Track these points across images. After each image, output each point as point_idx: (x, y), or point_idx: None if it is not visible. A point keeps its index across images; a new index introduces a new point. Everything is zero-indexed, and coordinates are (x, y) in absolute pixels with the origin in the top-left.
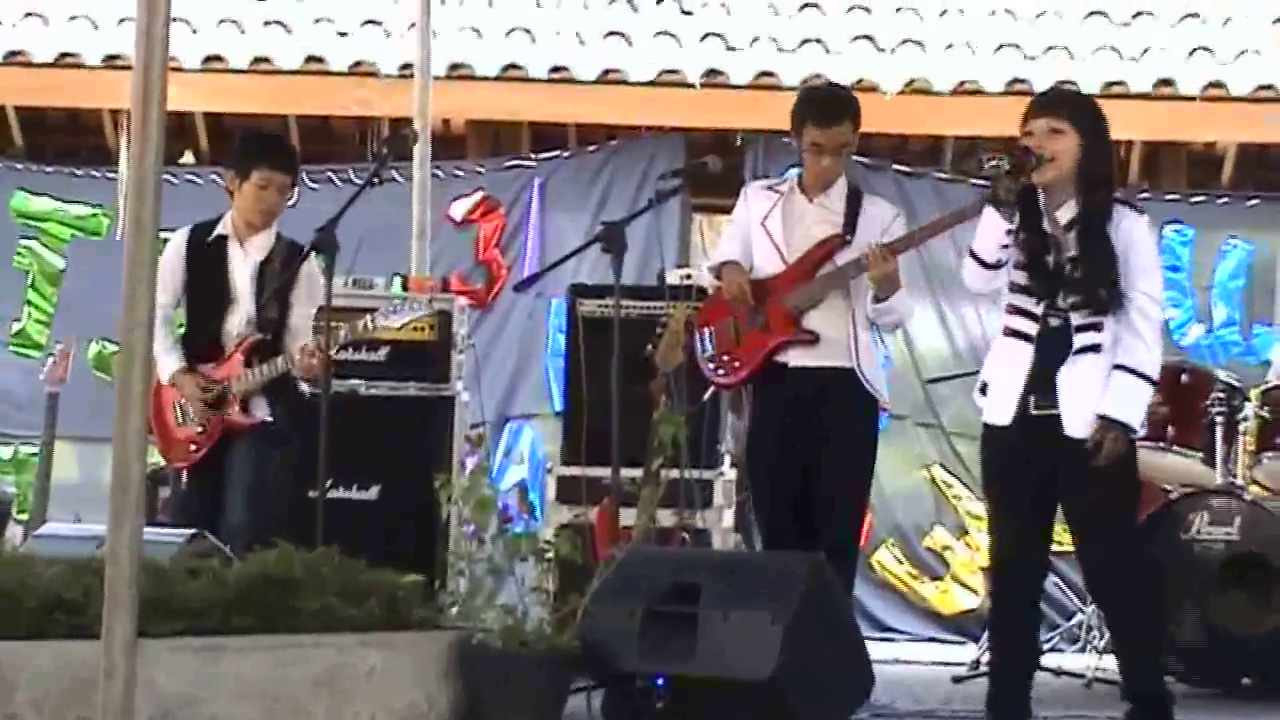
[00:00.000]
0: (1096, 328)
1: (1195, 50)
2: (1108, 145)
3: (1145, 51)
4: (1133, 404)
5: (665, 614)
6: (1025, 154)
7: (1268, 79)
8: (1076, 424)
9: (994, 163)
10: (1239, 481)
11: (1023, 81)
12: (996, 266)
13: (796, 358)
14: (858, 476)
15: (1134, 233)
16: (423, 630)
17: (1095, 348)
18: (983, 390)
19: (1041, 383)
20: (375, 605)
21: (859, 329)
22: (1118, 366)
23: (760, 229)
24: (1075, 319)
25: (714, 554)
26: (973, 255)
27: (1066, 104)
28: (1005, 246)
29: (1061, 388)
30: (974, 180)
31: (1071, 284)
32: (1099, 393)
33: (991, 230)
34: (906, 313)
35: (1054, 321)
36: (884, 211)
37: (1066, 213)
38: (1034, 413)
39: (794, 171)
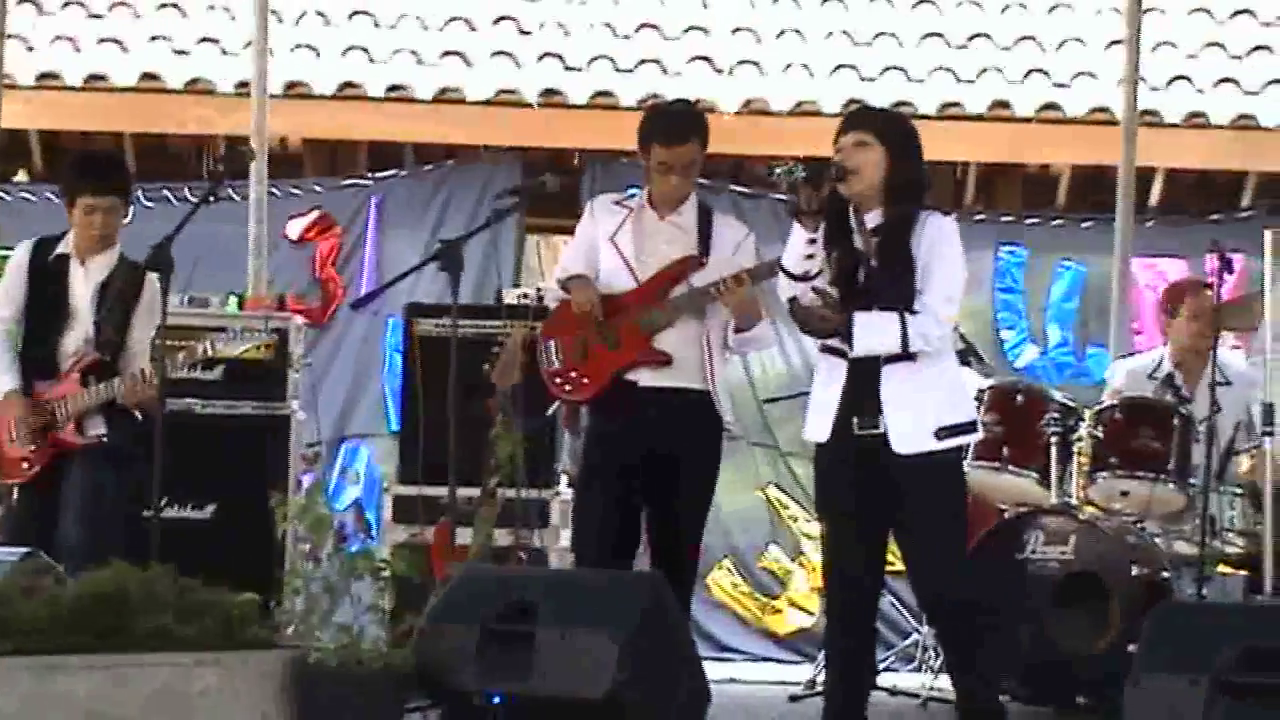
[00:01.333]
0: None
1: (1031, 72)
2: (915, 160)
3: (981, 73)
4: (876, 331)
5: (502, 632)
6: (821, 163)
7: (1102, 101)
8: (903, 442)
9: (781, 170)
10: (1073, 501)
11: (859, 102)
12: (805, 278)
13: (648, 377)
14: (703, 499)
15: (937, 236)
16: (258, 649)
17: (910, 357)
18: None
19: (862, 399)
20: (210, 624)
21: (713, 350)
22: (898, 310)
23: (609, 245)
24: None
25: (551, 573)
26: (781, 269)
27: (873, 119)
28: (810, 257)
29: (885, 405)
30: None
31: (877, 296)
32: (924, 407)
33: (796, 242)
34: (769, 341)
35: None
36: (736, 232)
37: (874, 222)
38: (859, 433)
39: (635, 190)
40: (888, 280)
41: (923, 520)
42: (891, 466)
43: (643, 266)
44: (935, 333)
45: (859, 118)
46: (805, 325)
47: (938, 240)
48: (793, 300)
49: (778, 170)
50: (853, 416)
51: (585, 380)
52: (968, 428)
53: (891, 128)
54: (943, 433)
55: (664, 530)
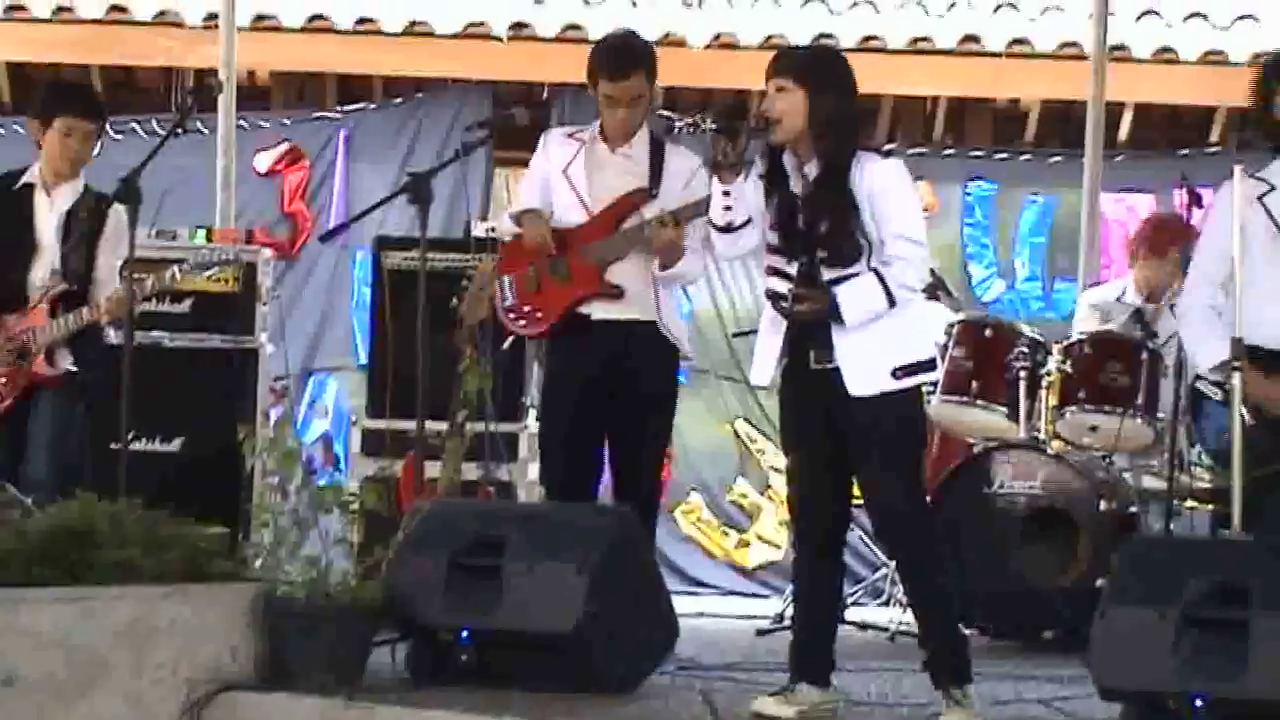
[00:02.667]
0: (854, 279)
1: (1000, 7)
2: (843, 99)
3: (951, 7)
4: (861, 298)
5: (470, 566)
6: (735, 114)
7: (1072, 36)
8: (856, 383)
9: (687, 124)
10: (1042, 436)
11: (829, 36)
12: (728, 230)
13: (600, 310)
14: (661, 430)
15: (879, 179)
16: (226, 582)
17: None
18: None
19: (815, 334)
20: (178, 557)
21: (659, 283)
22: (873, 270)
23: (562, 177)
24: (826, 274)
25: (519, 506)
26: (709, 222)
27: (790, 62)
28: (728, 208)
29: (838, 346)
30: None
31: (817, 240)
32: (880, 346)
33: (714, 195)
34: (694, 275)
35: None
36: (688, 163)
37: (813, 169)
38: (814, 367)
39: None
40: (828, 224)
41: (878, 451)
42: (847, 403)
43: (595, 200)
44: (914, 278)
45: (777, 62)
46: (796, 318)
47: (884, 183)
48: (774, 298)
49: (678, 123)
50: (809, 349)
51: (539, 314)
52: (927, 365)
53: (812, 68)
54: (900, 372)
55: (624, 461)
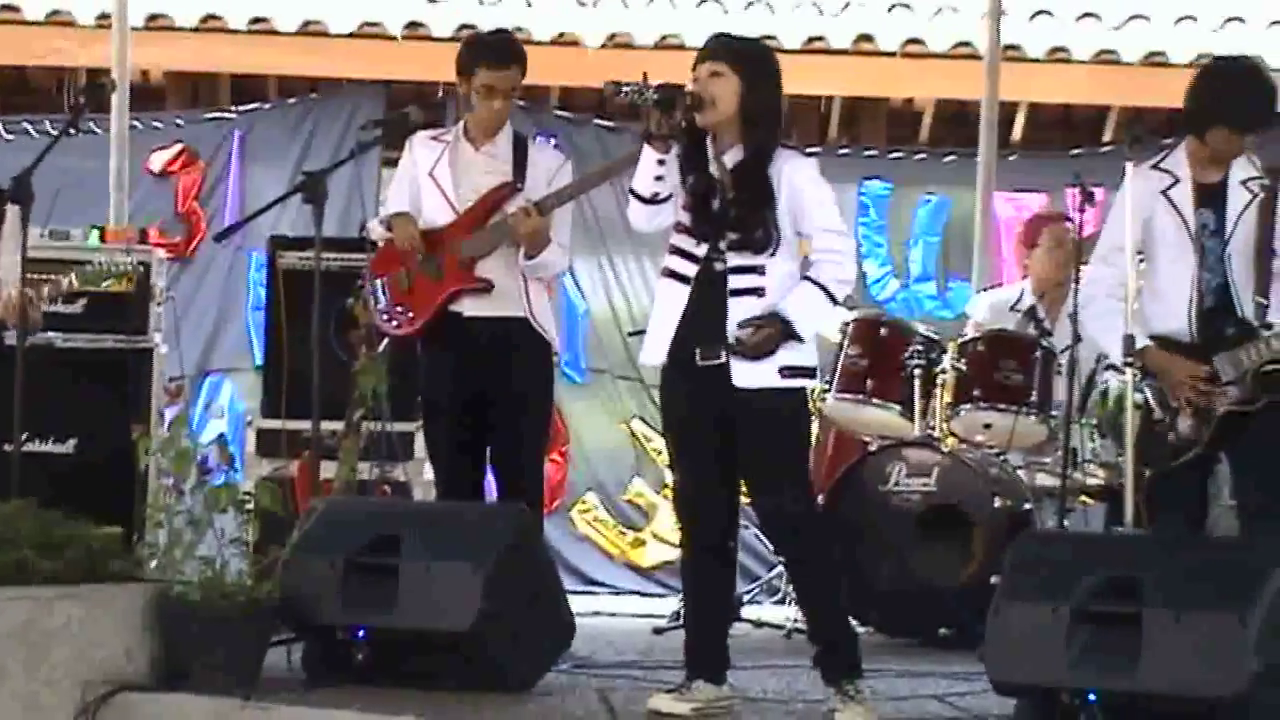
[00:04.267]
0: (758, 270)
1: (894, 7)
2: (773, 90)
3: (845, 7)
4: (808, 308)
5: (366, 565)
6: (675, 89)
7: (966, 36)
8: (744, 375)
9: (630, 89)
10: (936, 434)
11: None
12: (654, 201)
13: (471, 307)
14: (539, 427)
15: (799, 175)
16: (121, 583)
17: (757, 291)
18: None
19: (704, 328)
20: (72, 558)
21: (527, 271)
22: (805, 278)
23: (428, 179)
24: (733, 260)
25: (415, 505)
26: (632, 192)
27: (730, 49)
28: (659, 179)
29: (729, 337)
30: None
31: (730, 224)
32: None
33: (645, 165)
34: (560, 267)
35: (716, 265)
36: (552, 159)
37: (732, 156)
38: (701, 364)
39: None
40: (744, 211)
41: (765, 449)
42: (735, 398)
43: (461, 198)
44: (848, 270)
45: (716, 47)
46: (752, 353)
47: (804, 180)
48: (673, 277)
49: (626, 88)
50: (695, 345)
51: (412, 314)
52: (810, 371)
53: (749, 57)
54: (787, 372)
55: (505, 459)
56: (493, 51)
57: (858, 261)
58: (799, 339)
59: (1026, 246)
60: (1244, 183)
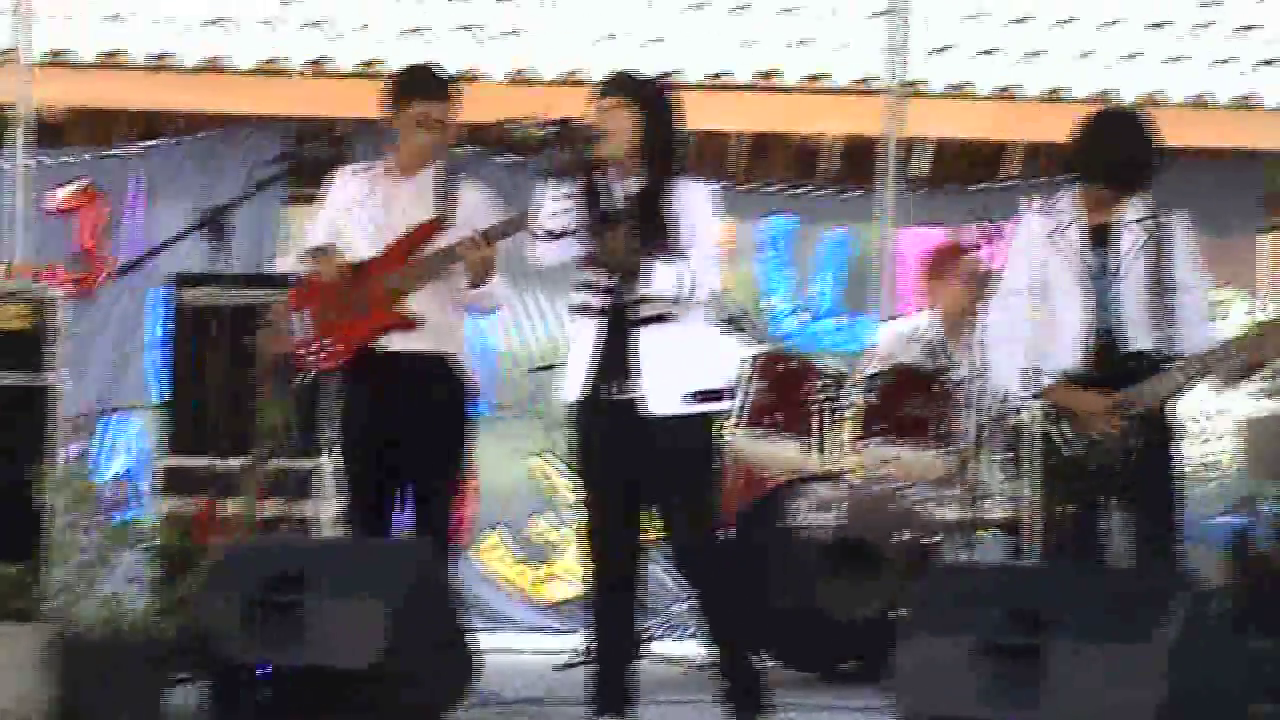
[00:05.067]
0: (662, 299)
1: (798, 42)
2: (672, 124)
3: (749, 43)
4: (665, 270)
5: (269, 602)
6: (572, 124)
7: (868, 71)
8: (658, 401)
9: (524, 127)
10: (842, 467)
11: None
12: (557, 236)
13: (396, 343)
14: (457, 464)
15: (694, 203)
16: (20, 622)
17: (662, 318)
18: None
19: (614, 362)
20: None
21: (454, 313)
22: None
23: (353, 212)
24: (640, 290)
25: (319, 541)
26: (535, 229)
27: (628, 83)
28: (558, 214)
29: (637, 367)
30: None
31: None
32: (677, 370)
33: (545, 200)
34: (503, 298)
35: (622, 295)
36: (480, 194)
37: (632, 188)
38: (613, 398)
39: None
40: (643, 242)
41: (675, 480)
42: (644, 428)
43: (387, 232)
44: (706, 291)
45: (614, 81)
46: (599, 256)
47: (695, 207)
48: (582, 311)
49: (518, 129)
50: (605, 380)
51: (334, 349)
52: (720, 394)
53: (647, 92)
54: (694, 397)
55: (421, 494)
56: (427, 84)
57: (762, 296)
58: (645, 281)
59: (931, 278)
60: (1134, 223)
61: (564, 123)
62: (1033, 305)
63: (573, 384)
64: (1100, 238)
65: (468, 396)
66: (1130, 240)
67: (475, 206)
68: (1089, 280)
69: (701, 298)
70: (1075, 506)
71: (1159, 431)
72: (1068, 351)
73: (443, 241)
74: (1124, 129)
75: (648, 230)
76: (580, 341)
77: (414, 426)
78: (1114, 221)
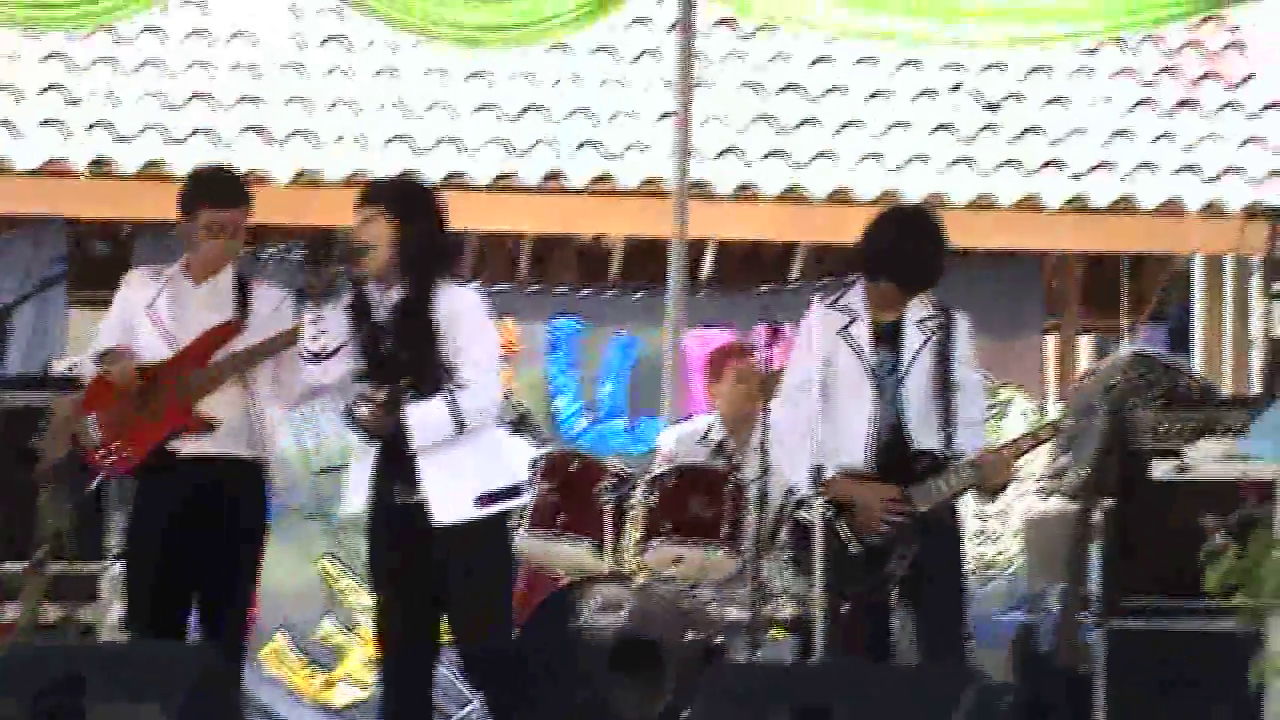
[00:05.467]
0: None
1: (583, 144)
2: (431, 228)
3: (534, 145)
4: (428, 422)
5: (50, 707)
6: (325, 242)
7: (654, 173)
8: (441, 510)
9: (272, 252)
10: (628, 568)
11: (413, 172)
12: (322, 357)
13: (191, 446)
14: (253, 567)
15: (455, 305)
16: None
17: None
18: None
19: (400, 468)
20: None
21: (256, 416)
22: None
23: (146, 315)
24: (409, 400)
25: (101, 645)
26: (301, 352)
27: (381, 192)
28: (322, 333)
29: (422, 474)
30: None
31: (401, 367)
32: (463, 474)
33: (304, 323)
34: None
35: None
36: (274, 295)
37: (394, 298)
38: (399, 501)
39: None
40: (411, 352)
41: (466, 584)
42: (432, 532)
43: (181, 334)
44: (487, 405)
45: (367, 193)
46: (364, 431)
47: (462, 313)
48: (346, 409)
49: (270, 252)
50: (393, 485)
51: (126, 452)
52: (510, 493)
53: (402, 198)
54: (483, 499)
55: (215, 598)
56: (217, 191)
57: (549, 398)
58: (405, 444)
59: (712, 380)
60: (919, 322)
61: (314, 243)
62: (819, 401)
63: (353, 495)
64: (887, 336)
65: (264, 501)
66: (915, 339)
67: (275, 307)
68: (875, 377)
69: (478, 422)
70: (861, 603)
71: (942, 530)
72: (853, 448)
73: (238, 344)
74: (912, 227)
75: (411, 341)
76: (362, 450)
77: (207, 532)
78: (899, 320)
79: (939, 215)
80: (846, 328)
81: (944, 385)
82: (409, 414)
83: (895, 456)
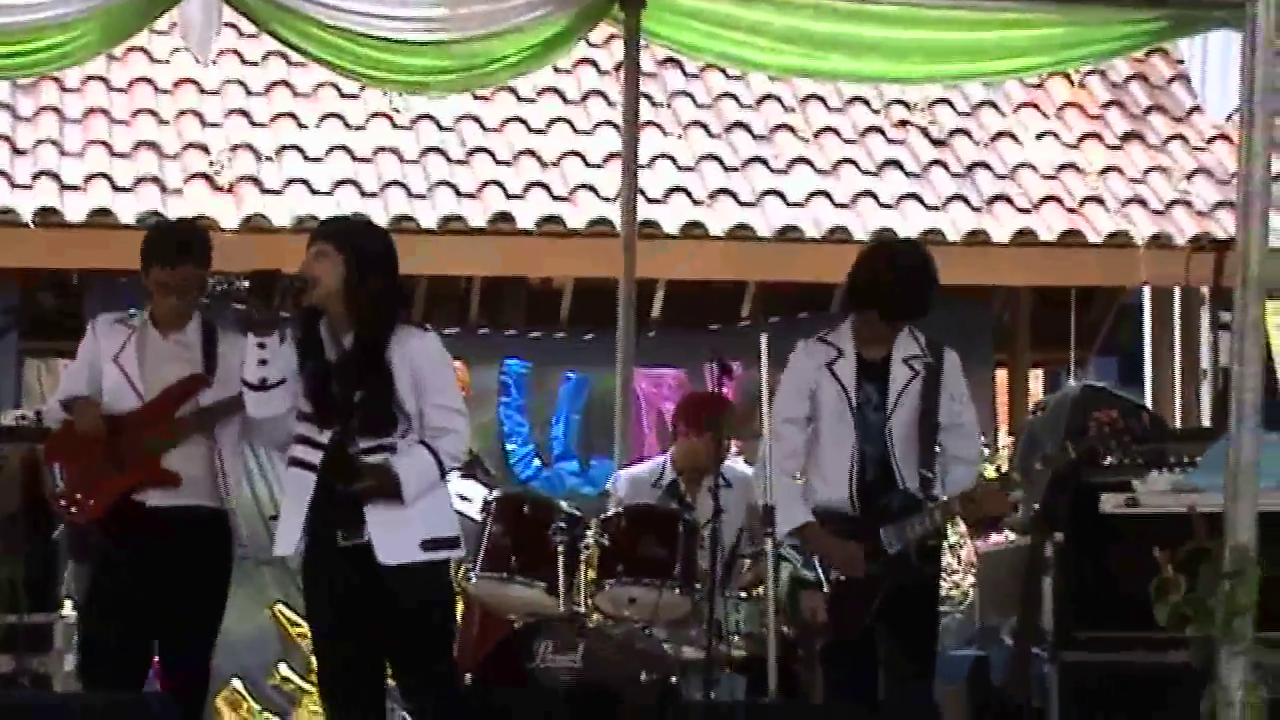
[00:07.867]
0: (389, 449)
1: (531, 186)
2: (382, 269)
3: (483, 187)
4: (419, 473)
5: None
6: (271, 275)
7: (602, 213)
8: (386, 552)
9: (218, 282)
10: (582, 609)
11: (363, 215)
12: (262, 388)
13: (156, 498)
14: (212, 619)
15: (421, 352)
16: None
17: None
18: None
19: (341, 510)
20: None
21: (225, 468)
22: (423, 443)
23: (112, 364)
24: (363, 442)
25: (55, 697)
26: (243, 381)
27: (334, 230)
28: (263, 364)
29: (369, 517)
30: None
31: (351, 409)
32: (409, 519)
33: (248, 353)
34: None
35: (348, 448)
36: (240, 347)
37: (349, 339)
38: (343, 544)
39: (136, 310)
40: (363, 394)
41: (410, 627)
42: (376, 576)
43: (147, 385)
44: (462, 448)
45: (321, 229)
46: (363, 495)
47: (424, 358)
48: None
49: (216, 281)
50: (336, 529)
51: (91, 502)
52: (452, 542)
53: (354, 237)
54: (428, 545)
55: (176, 648)
56: (161, 251)
57: (500, 440)
58: (400, 499)
59: (695, 433)
60: (906, 360)
61: (260, 275)
62: (804, 434)
63: (286, 537)
64: (871, 372)
65: (229, 552)
66: (902, 377)
67: (239, 356)
68: (859, 413)
69: (454, 464)
70: (821, 642)
71: (912, 573)
72: (837, 482)
73: (205, 398)
74: (896, 259)
75: (366, 383)
76: (294, 493)
77: (169, 583)
78: (886, 357)
79: (929, 251)
80: (832, 363)
81: (929, 424)
82: (405, 469)
83: (879, 493)
